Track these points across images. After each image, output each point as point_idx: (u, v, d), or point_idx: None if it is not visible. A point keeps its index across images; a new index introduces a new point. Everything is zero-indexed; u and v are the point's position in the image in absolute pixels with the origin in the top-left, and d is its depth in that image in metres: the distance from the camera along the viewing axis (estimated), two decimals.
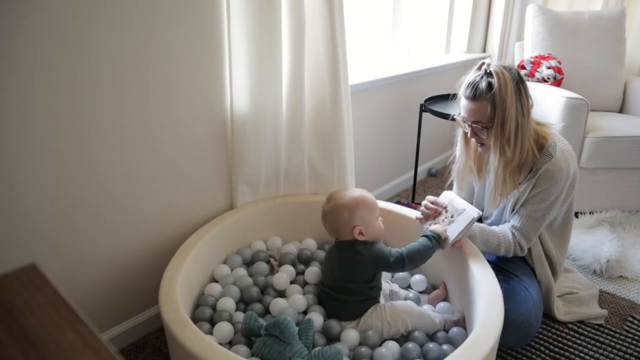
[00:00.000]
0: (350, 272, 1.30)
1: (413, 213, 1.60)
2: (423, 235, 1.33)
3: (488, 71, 1.29)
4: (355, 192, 1.37)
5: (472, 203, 1.56)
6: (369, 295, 1.31)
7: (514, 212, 1.43)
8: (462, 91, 1.35)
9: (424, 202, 1.47)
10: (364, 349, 1.21)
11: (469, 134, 1.39)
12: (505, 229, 1.44)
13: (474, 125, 1.34)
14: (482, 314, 1.15)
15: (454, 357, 1.01)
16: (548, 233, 1.49)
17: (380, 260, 1.28)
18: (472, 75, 1.33)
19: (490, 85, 1.27)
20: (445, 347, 1.24)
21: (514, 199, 1.42)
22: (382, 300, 1.36)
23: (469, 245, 1.39)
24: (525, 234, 1.41)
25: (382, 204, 1.63)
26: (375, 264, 1.29)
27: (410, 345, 1.22)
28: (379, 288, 1.34)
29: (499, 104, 1.27)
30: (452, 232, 1.35)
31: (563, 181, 1.34)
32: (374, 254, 1.28)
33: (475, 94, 1.30)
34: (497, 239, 1.42)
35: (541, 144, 1.37)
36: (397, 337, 1.29)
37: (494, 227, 1.46)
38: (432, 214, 1.44)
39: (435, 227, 1.36)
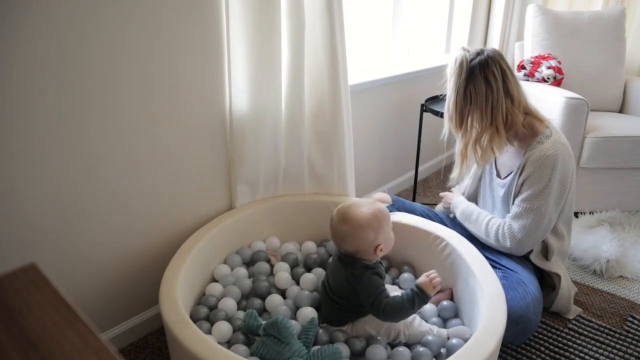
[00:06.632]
0: (348, 291, 1.23)
1: (413, 217, 1.60)
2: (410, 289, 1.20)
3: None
4: (368, 205, 1.23)
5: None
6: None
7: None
8: None
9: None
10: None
11: None
12: (499, 219, 1.49)
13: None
14: (485, 314, 1.14)
15: (457, 357, 1.01)
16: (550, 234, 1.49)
17: (366, 293, 1.18)
18: None
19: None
20: (454, 341, 1.23)
21: (505, 189, 1.46)
22: None
23: (468, 247, 1.39)
24: (521, 223, 1.38)
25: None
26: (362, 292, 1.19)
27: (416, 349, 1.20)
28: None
29: (448, 85, 1.43)
30: None
31: (549, 169, 1.33)
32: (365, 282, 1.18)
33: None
34: (479, 215, 1.51)
35: (535, 131, 1.40)
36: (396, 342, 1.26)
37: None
38: None
39: (421, 279, 1.19)
